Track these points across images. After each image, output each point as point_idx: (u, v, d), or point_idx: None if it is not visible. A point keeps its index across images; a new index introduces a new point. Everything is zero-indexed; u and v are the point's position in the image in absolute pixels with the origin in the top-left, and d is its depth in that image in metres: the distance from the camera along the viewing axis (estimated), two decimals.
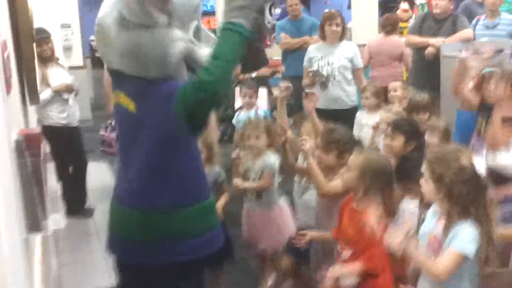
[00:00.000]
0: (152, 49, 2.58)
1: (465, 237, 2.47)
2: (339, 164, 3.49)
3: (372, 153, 3.31)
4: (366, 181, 3.04)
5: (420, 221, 3.35)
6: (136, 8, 2.54)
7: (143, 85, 2.65)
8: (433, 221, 2.65)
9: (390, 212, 3.07)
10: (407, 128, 3.96)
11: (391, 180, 3.10)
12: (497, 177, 3.58)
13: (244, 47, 2.57)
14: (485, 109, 3.93)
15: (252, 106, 5.70)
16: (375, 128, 4.55)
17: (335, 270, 3.00)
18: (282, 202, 4.22)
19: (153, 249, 2.70)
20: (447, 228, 2.54)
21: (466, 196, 2.48)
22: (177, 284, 2.77)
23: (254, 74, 6.84)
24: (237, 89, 6.29)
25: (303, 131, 4.29)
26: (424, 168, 2.63)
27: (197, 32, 2.78)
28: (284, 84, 4.59)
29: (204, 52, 2.73)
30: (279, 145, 4.09)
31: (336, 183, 3.46)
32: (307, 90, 5.11)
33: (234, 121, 5.76)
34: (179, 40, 2.61)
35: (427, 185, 2.61)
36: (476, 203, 2.48)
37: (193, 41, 2.71)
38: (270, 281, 4.35)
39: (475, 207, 2.49)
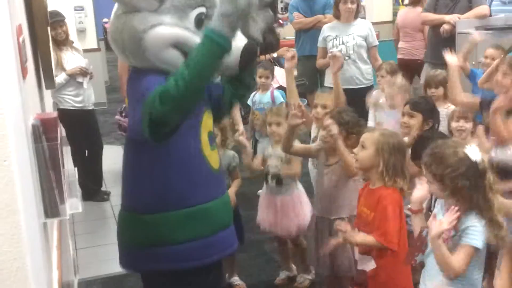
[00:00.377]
0: (125, 33, 2.48)
1: (474, 231, 2.50)
2: (346, 145, 3.47)
3: (385, 130, 3.29)
4: (385, 157, 3.01)
5: (433, 203, 3.37)
6: None
7: (130, 78, 2.61)
8: (441, 215, 2.64)
9: (404, 188, 3.05)
10: (425, 107, 3.95)
11: (405, 156, 3.10)
12: (505, 170, 3.58)
13: (222, 58, 2.37)
14: (486, 104, 3.89)
15: (268, 87, 5.66)
16: (376, 104, 4.55)
17: (348, 235, 3.01)
18: (300, 187, 4.20)
19: (133, 255, 2.66)
20: (457, 221, 2.53)
21: (469, 187, 2.50)
22: None
23: (275, 55, 6.79)
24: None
25: (318, 102, 4.25)
26: (424, 171, 2.64)
27: (204, 21, 2.56)
28: (290, 53, 4.53)
29: None
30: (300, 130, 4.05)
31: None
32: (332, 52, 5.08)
33: (249, 101, 5.73)
34: (162, 25, 2.45)
35: (432, 186, 2.60)
36: (479, 190, 2.50)
37: (189, 28, 2.52)
38: (294, 268, 4.37)
39: (478, 195, 2.51)
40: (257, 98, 5.66)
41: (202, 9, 2.54)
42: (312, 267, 4.20)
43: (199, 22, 2.53)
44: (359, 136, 3.23)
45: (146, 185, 2.55)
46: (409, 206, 2.87)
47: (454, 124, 4.12)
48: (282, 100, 5.48)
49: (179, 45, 2.48)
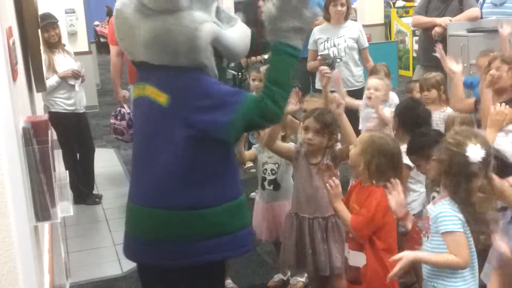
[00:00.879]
0: (179, 34, 2.50)
1: (444, 217, 2.57)
2: (329, 146, 3.54)
3: (380, 133, 3.29)
4: (366, 157, 3.04)
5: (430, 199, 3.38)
6: None
7: (175, 76, 2.58)
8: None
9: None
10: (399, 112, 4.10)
11: (394, 162, 3.07)
12: (503, 165, 3.59)
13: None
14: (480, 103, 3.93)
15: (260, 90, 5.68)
16: (369, 97, 4.57)
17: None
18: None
19: (186, 249, 2.65)
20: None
21: (453, 177, 2.58)
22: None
23: (266, 56, 6.77)
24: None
25: (307, 107, 4.26)
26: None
27: (218, 13, 2.71)
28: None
29: (229, 34, 2.66)
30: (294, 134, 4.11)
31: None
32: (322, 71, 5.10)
33: None
34: (205, 22, 2.53)
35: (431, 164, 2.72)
36: (461, 186, 2.56)
37: (217, 22, 2.64)
38: (288, 272, 4.36)
39: (460, 190, 2.56)
40: None
41: (216, 3, 2.69)
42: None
43: (217, 15, 2.68)
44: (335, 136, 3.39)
45: (210, 181, 2.66)
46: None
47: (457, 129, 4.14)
48: None
49: (215, 40, 2.58)
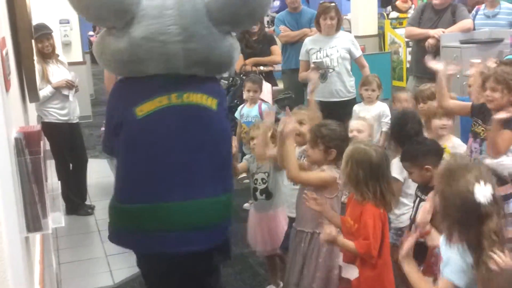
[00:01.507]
0: (236, 51, 3.08)
1: (454, 268, 2.36)
2: (325, 159, 3.45)
3: (363, 143, 3.20)
4: (347, 170, 3.01)
5: (416, 205, 3.39)
6: (241, 20, 2.95)
7: (218, 84, 3.20)
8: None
9: (384, 203, 3.02)
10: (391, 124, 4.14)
11: (378, 172, 3.00)
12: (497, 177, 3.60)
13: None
14: (477, 111, 3.92)
15: (256, 101, 5.68)
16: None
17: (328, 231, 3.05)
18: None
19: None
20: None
21: (460, 222, 2.29)
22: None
23: (262, 67, 6.79)
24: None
25: (296, 118, 4.26)
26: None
27: None
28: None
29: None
30: None
31: (311, 174, 3.48)
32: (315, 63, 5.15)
33: (237, 114, 5.74)
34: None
35: (432, 200, 2.57)
36: (471, 230, 2.27)
37: None
38: (281, 283, 4.34)
39: (469, 234, 2.29)
40: (245, 111, 5.67)
41: None
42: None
43: None
44: (341, 150, 3.23)
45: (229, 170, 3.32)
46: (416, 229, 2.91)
47: (437, 122, 4.15)
48: None
49: None
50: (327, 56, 5.83)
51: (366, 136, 4.24)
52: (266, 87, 6.31)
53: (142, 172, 2.97)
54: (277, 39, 7.46)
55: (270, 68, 7.07)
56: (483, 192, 2.22)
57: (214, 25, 2.87)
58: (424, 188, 3.37)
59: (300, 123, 4.06)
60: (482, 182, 2.23)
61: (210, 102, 2.98)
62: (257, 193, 4.16)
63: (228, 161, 3.17)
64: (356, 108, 5.42)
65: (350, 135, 4.18)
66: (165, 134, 2.94)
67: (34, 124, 3.56)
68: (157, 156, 2.94)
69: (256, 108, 5.66)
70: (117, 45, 2.85)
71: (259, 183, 4.14)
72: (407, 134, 3.85)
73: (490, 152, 3.63)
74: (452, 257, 2.36)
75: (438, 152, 3.45)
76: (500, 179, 3.56)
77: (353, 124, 4.39)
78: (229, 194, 3.14)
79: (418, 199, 3.40)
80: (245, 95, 5.67)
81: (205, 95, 2.97)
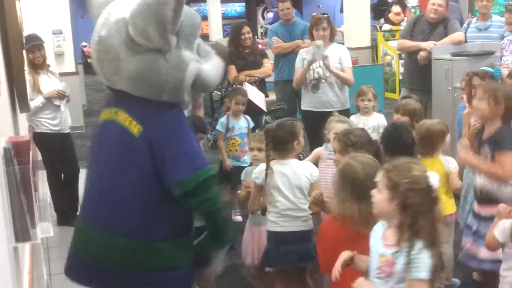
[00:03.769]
0: (168, 74, 2.61)
1: (422, 265, 2.35)
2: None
3: (354, 158, 3.10)
4: (336, 184, 2.98)
5: None
6: (154, 35, 2.53)
7: (153, 110, 2.68)
8: (380, 241, 2.51)
9: (365, 221, 2.83)
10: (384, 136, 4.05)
11: (362, 188, 2.83)
12: (487, 196, 3.63)
13: None
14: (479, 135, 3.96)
15: (239, 114, 5.69)
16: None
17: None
18: None
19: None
20: (398, 245, 2.40)
21: (418, 207, 2.38)
22: None
23: (256, 77, 6.79)
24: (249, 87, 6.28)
25: (254, 146, 4.28)
26: (379, 177, 2.52)
27: (198, 48, 2.81)
28: None
29: (206, 68, 2.76)
30: None
31: None
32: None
33: (220, 127, 5.70)
34: (191, 61, 2.65)
35: (379, 195, 2.51)
36: (427, 216, 2.39)
37: (198, 59, 2.74)
38: None
39: (425, 220, 2.38)
40: (234, 124, 5.65)
41: (198, 39, 2.79)
42: None
43: (197, 51, 2.78)
44: (371, 154, 3.21)
45: (167, 215, 2.79)
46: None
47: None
48: (253, 124, 5.72)
49: (195, 76, 2.70)
50: (319, 66, 5.85)
51: None
52: (260, 96, 6.33)
53: (85, 184, 2.94)
54: (269, 51, 7.49)
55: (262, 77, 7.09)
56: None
57: (133, 38, 2.61)
58: None
59: (260, 150, 4.09)
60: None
61: (133, 127, 2.66)
62: None
63: (149, 203, 2.70)
64: (353, 119, 5.42)
65: (331, 135, 4.18)
66: (98, 145, 2.88)
67: (24, 134, 3.56)
68: (92, 166, 2.90)
69: (243, 120, 5.68)
70: None
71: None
72: (404, 145, 3.86)
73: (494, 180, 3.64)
74: (416, 257, 2.37)
75: None
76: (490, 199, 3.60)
77: (336, 126, 4.32)
78: (159, 244, 2.73)
79: None
80: (233, 107, 5.66)
81: (130, 117, 2.68)
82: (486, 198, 3.72)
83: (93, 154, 2.90)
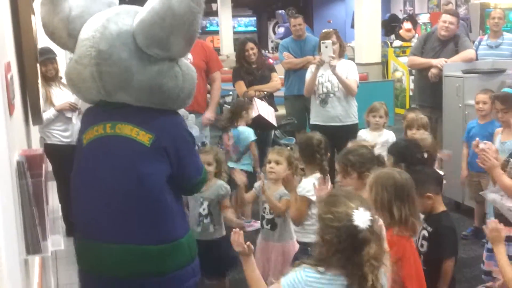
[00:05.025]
0: (185, 81, 2.70)
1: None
2: (362, 184, 3.31)
3: (386, 169, 3.21)
4: (372, 195, 2.93)
5: (422, 236, 3.38)
6: (180, 44, 2.59)
7: (161, 118, 2.73)
8: None
9: (408, 227, 2.90)
10: (397, 150, 4.04)
11: (403, 194, 2.92)
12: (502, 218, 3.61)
13: None
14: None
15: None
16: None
17: None
18: (294, 237, 4.11)
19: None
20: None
21: (335, 245, 2.19)
22: None
23: (265, 92, 6.82)
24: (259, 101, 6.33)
25: (272, 158, 4.25)
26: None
27: None
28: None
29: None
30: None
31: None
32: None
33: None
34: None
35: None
36: (350, 258, 2.19)
37: None
38: None
39: (348, 262, 2.19)
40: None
41: None
42: None
43: None
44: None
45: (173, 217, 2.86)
46: None
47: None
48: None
49: None
50: (328, 81, 5.88)
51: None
52: (270, 110, 6.36)
53: (80, 203, 2.90)
54: (280, 66, 7.51)
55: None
56: (362, 218, 2.18)
57: (143, 49, 2.62)
58: (428, 217, 3.37)
59: (277, 163, 4.08)
60: (361, 209, 2.20)
61: (142, 137, 2.67)
62: (264, 222, 4.18)
63: (151, 210, 2.72)
64: (362, 134, 5.44)
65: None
66: (93, 162, 2.82)
67: (36, 147, 3.58)
68: (87, 187, 2.84)
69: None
70: (67, 69, 2.86)
71: (267, 212, 4.15)
72: (421, 160, 3.88)
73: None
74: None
75: (438, 180, 3.45)
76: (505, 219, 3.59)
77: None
78: (160, 247, 2.73)
79: (422, 229, 3.38)
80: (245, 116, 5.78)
81: (136, 128, 2.68)
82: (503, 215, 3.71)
83: (89, 173, 2.85)
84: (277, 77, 6.97)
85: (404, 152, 3.99)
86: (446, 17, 6.66)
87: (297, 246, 4.04)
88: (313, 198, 3.64)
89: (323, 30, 6.27)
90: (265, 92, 6.68)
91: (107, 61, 2.62)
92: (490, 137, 4.86)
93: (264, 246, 4.17)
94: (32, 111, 3.01)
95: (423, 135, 4.47)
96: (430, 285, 3.11)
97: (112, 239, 2.70)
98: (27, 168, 2.04)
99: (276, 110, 6.82)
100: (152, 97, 2.67)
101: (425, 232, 3.34)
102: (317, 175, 3.72)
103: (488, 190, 3.84)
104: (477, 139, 3.74)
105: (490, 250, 3.84)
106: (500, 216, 3.65)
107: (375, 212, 2.77)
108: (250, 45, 6.68)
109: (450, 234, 3.37)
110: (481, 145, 3.63)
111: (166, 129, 2.73)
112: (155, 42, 2.58)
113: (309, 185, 3.73)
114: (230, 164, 5.54)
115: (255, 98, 6.29)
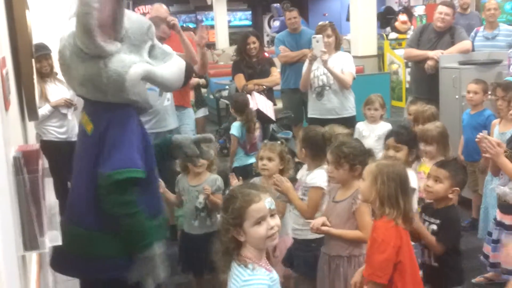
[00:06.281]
0: (108, 77, 2.75)
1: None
2: (352, 177, 3.40)
3: (385, 160, 3.23)
4: (377, 186, 2.93)
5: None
6: (87, 42, 2.68)
7: (103, 110, 2.86)
8: None
9: (408, 219, 2.94)
10: (408, 137, 4.02)
11: (406, 186, 2.98)
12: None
13: None
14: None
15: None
16: None
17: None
18: (290, 232, 4.08)
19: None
20: None
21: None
22: None
23: (265, 86, 6.79)
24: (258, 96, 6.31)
25: (264, 155, 4.22)
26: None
27: (152, 51, 2.97)
28: None
29: (160, 70, 2.95)
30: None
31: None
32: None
33: (234, 130, 5.74)
34: (134, 64, 2.79)
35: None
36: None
37: (149, 61, 2.90)
38: None
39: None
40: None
41: (150, 42, 2.94)
42: None
43: (150, 53, 2.95)
44: (365, 165, 3.20)
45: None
46: None
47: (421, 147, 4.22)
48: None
49: (146, 77, 2.88)
50: (324, 74, 5.87)
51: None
52: (269, 104, 6.34)
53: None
54: (276, 59, 7.50)
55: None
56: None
57: (80, 47, 2.77)
58: (430, 211, 3.36)
59: (269, 159, 4.06)
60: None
61: (87, 126, 2.88)
62: None
63: (91, 198, 2.84)
64: (359, 126, 5.45)
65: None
66: (76, 149, 3.07)
67: (33, 142, 3.57)
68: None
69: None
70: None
71: None
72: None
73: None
74: None
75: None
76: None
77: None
78: (89, 232, 2.87)
79: (425, 222, 3.37)
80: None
81: (86, 116, 2.91)
82: (509, 206, 3.71)
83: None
84: (277, 72, 6.96)
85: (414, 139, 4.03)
86: (442, 8, 6.66)
87: (290, 242, 4.03)
88: (327, 188, 3.67)
89: (319, 23, 6.25)
90: (265, 87, 6.66)
91: (60, 60, 2.86)
92: (480, 127, 4.90)
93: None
94: (28, 106, 3.01)
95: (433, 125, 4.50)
96: (441, 281, 3.21)
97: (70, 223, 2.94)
98: (24, 164, 2.03)
99: (275, 104, 6.81)
100: (88, 91, 2.84)
101: (433, 227, 3.30)
102: (325, 166, 3.70)
103: (499, 182, 3.82)
104: (480, 133, 3.71)
105: (496, 241, 3.85)
106: (506, 208, 3.68)
107: (380, 203, 2.85)
108: (252, 38, 6.66)
109: (455, 226, 3.34)
110: (479, 135, 3.63)
111: (103, 118, 2.83)
112: (79, 41, 2.73)
113: (322, 176, 3.72)
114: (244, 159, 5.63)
115: (254, 92, 6.27)
